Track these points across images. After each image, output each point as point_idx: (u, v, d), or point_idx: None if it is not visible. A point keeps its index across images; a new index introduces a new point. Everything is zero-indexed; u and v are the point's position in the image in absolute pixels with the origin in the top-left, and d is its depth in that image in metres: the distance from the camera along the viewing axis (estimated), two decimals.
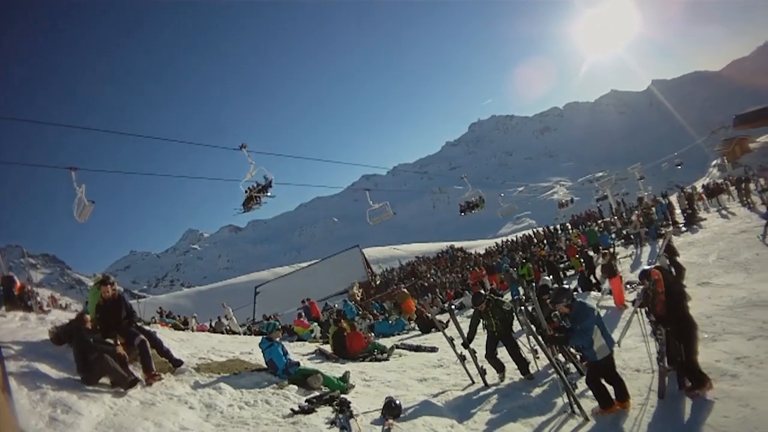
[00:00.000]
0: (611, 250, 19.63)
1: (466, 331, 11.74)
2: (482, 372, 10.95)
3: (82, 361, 8.22)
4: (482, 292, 12.35)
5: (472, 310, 11.96)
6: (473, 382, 11.15)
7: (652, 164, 71.03)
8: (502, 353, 11.29)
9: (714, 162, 76.46)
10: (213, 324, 28.84)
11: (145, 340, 9.17)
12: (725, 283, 15.61)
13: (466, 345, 11.14)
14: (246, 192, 15.52)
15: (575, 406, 8.42)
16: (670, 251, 16.53)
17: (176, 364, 9.74)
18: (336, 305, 32.34)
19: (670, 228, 28.09)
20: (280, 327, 12.22)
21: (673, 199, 38.17)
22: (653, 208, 35.13)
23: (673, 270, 16.17)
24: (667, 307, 8.41)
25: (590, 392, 8.52)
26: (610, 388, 8.29)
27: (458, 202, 28.56)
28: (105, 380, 8.23)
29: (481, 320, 11.35)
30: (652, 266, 8.97)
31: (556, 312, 9.01)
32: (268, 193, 15.51)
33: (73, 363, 8.32)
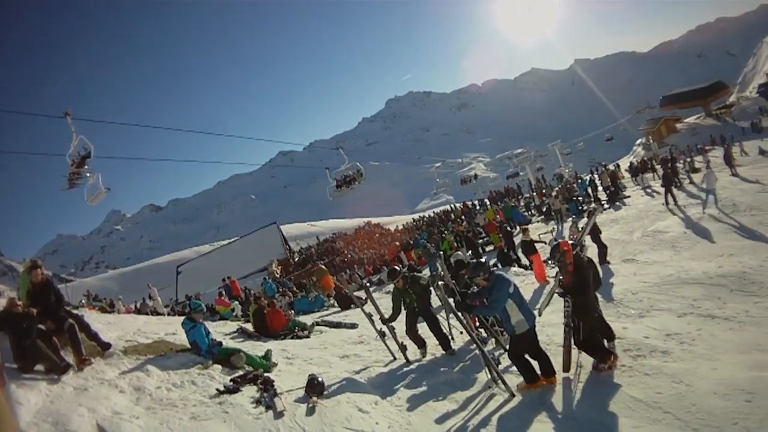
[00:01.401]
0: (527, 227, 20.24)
1: (384, 307, 12.08)
2: (403, 348, 11.20)
3: (17, 348, 8.31)
4: (397, 268, 12.44)
5: (392, 286, 12.17)
6: (395, 359, 11.42)
7: (574, 141, 72.15)
8: (423, 329, 11.53)
9: (639, 141, 77.90)
10: (138, 305, 28.69)
11: (74, 324, 9.27)
12: (651, 260, 16.08)
13: (385, 321, 11.32)
14: (71, 165, 14.92)
15: (499, 381, 8.55)
16: (593, 228, 17.11)
17: (104, 347, 9.78)
18: (248, 288, 32.47)
19: (593, 205, 28.71)
20: (204, 309, 12.42)
21: (596, 176, 38.96)
22: (574, 185, 36.13)
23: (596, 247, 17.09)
24: (575, 279, 8.52)
25: (515, 367, 8.65)
26: (535, 363, 8.43)
27: (333, 176, 27.14)
28: (39, 367, 8.33)
29: (402, 298, 11.37)
30: (561, 239, 9.13)
31: (475, 285, 9.25)
32: (86, 165, 14.87)
33: (9, 351, 8.38)
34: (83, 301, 28.55)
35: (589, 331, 8.42)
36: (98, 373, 8.76)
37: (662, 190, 25.91)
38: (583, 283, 8.53)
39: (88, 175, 15.07)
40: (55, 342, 8.92)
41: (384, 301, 13.84)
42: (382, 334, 11.49)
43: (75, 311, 11.97)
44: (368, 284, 15.45)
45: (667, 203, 24.36)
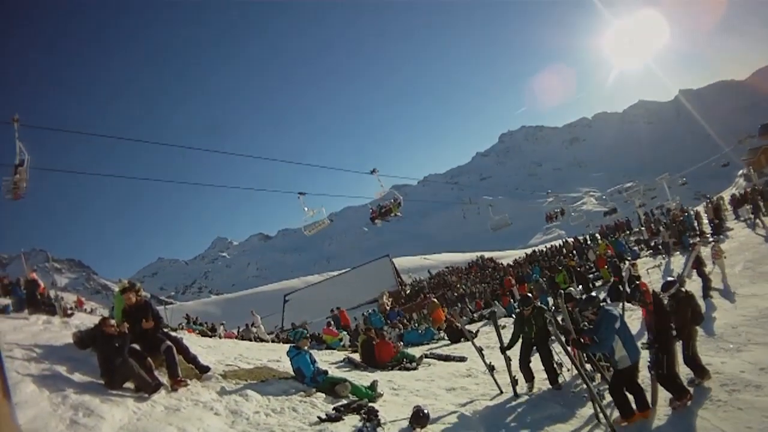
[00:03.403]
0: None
1: (493, 341, 11.63)
2: (514, 381, 10.73)
3: (105, 365, 8.25)
4: (530, 295, 12.58)
5: (514, 316, 11.86)
6: (501, 392, 10.96)
7: (681, 173, 70.29)
8: (533, 362, 11.17)
9: (740, 172, 75.19)
10: (241, 331, 28.90)
11: (171, 346, 9.19)
12: (751, 293, 15.61)
13: (504, 350, 11.01)
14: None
15: (602, 416, 8.33)
16: (698, 262, 17.13)
17: (203, 370, 9.74)
18: (357, 318, 32.10)
19: (698, 239, 27.91)
20: (308, 335, 12.20)
21: (700, 208, 37.93)
22: (681, 218, 34.90)
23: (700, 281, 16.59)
24: (655, 318, 8.84)
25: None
26: (631, 398, 8.33)
27: (369, 207, 24.99)
28: (129, 385, 8.25)
29: (523, 326, 11.18)
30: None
31: (586, 322, 9.18)
32: (17, 174, 13.99)
33: (96, 367, 8.35)
34: (183, 324, 29.23)
35: (671, 367, 8.55)
36: (193, 395, 8.64)
37: (766, 221, 27.18)
38: (663, 321, 8.84)
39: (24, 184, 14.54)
40: (150, 362, 8.85)
41: (492, 335, 13.32)
42: (491, 368, 11.17)
43: (174, 333, 11.95)
44: (494, 309, 15.07)
45: (754, 227, 27.00)
